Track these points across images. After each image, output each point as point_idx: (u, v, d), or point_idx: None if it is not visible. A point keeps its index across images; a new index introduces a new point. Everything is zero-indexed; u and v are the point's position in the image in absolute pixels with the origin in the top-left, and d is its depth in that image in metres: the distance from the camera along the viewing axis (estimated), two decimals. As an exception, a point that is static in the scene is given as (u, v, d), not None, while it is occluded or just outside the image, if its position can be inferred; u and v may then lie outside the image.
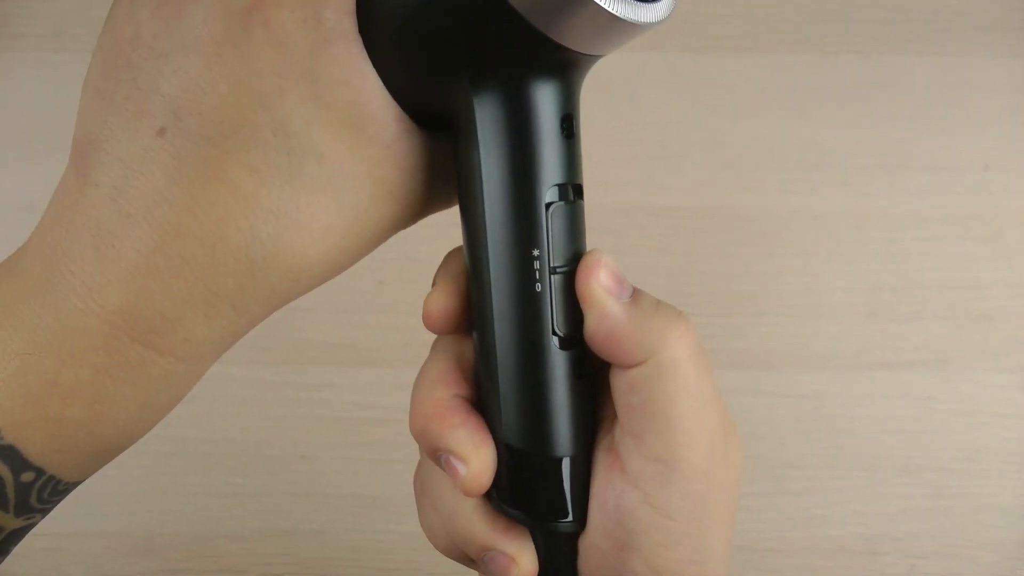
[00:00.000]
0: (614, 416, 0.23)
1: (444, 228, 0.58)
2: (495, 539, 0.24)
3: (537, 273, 0.22)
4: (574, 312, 0.22)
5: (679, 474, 0.21)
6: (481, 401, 0.24)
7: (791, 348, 0.57)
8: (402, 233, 0.66)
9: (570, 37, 0.19)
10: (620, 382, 0.22)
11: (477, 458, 0.23)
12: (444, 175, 0.24)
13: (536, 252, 0.22)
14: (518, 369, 0.22)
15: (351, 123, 0.20)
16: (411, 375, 0.61)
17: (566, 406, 0.23)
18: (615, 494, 0.22)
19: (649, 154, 0.58)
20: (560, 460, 0.23)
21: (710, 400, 0.22)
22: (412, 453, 0.56)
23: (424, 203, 0.24)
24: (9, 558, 0.30)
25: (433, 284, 0.25)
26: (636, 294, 0.22)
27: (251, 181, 0.20)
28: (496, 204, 0.21)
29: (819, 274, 0.58)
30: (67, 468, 0.23)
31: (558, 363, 0.22)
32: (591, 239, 0.24)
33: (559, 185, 0.22)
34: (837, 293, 0.58)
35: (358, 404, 0.56)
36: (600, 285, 0.22)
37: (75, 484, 0.24)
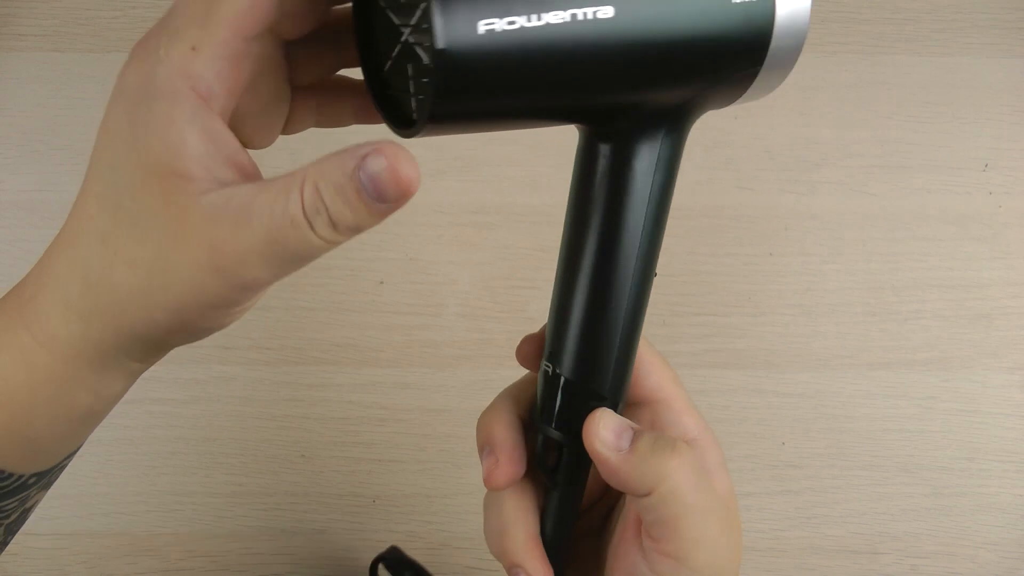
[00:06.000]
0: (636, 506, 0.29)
1: (445, 228, 0.58)
2: (525, 559, 0.29)
3: (655, 266, 0.28)
4: None
5: (687, 568, 0.27)
6: (552, 347, 0.29)
7: (791, 348, 0.57)
8: (402, 233, 0.66)
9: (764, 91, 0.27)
10: (637, 503, 0.28)
11: (504, 458, 0.29)
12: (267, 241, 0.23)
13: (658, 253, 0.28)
14: (623, 332, 0.28)
15: (158, 171, 0.22)
16: (411, 375, 0.61)
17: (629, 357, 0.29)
18: (634, 568, 0.28)
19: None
20: (602, 398, 0.29)
21: (711, 511, 0.27)
22: (411, 453, 0.56)
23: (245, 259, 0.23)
24: (9, 558, 0.30)
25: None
26: (636, 439, 0.27)
27: (94, 206, 0.24)
28: (658, 218, 0.27)
29: (819, 274, 0.58)
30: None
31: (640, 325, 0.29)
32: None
33: None
34: (837, 293, 0.58)
35: (358, 404, 0.56)
36: (601, 444, 0.27)
37: (22, 475, 0.26)
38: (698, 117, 0.27)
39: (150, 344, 0.25)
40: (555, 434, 0.29)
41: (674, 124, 0.27)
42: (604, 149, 0.26)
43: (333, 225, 0.21)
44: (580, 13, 0.20)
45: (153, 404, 0.55)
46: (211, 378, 0.56)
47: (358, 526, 0.55)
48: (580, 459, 0.29)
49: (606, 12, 0.21)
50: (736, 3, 0.23)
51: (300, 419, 0.56)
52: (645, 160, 0.26)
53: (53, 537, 0.54)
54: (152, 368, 0.52)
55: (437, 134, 0.23)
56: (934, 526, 0.56)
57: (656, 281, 0.29)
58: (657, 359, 0.31)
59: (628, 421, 0.28)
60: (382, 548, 0.55)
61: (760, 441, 0.57)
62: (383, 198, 0.21)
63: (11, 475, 0.26)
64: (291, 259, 0.22)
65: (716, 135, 0.59)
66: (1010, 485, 0.56)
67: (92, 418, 0.27)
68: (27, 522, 0.31)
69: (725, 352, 0.57)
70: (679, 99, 0.26)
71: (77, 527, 0.54)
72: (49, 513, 0.54)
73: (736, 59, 0.24)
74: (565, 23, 0.20)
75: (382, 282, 0.57)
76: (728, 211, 0.59)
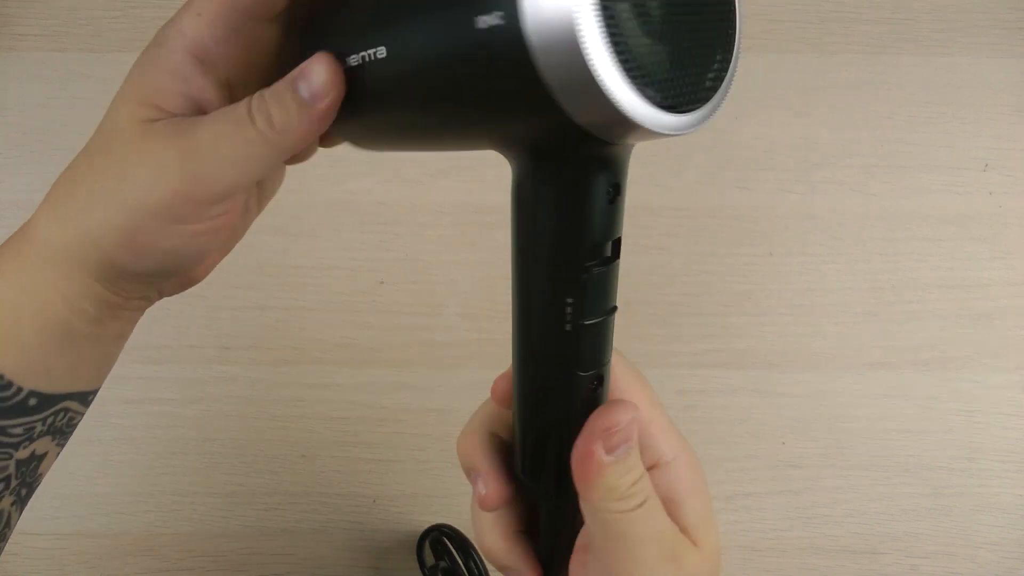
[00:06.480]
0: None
1: (446, 228, 0.58)
2: (512, 560, 0.31)
3: (569, 316, 0.25)
4: (596, 350, 0.26)
5: None
6: (515, 417, 0.29)
7: (791, 348, 0.57)
8: (403, 234, 0.66)
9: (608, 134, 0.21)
10: (585, 511, 0.27)
11: (492, 483, 0.29)
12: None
13: (570, 300, 0.25)
14: (545, 397, 0.27)
15: (135, 98, 0.26)
16: (411, 375, 0.61)
17: (575, 427, 0.27)
18: None
19: (649, 154, 0.58)
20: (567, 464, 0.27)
21: (645, 540, 0.27)
22: (411, 452, 0.56)
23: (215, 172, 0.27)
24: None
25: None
26: (624, 454, 0.26)
27: None
28: (544, 259, 0.25)
29: (819, 274, 0.58)
30: None
31: (579, 384, 0.26)
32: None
33: (610, 242, 0.25)
34: (837, 293, 0.58)
35: (358, 404, 0.56)
36: (601, 449, 0.26)
37: (21, 388, 0.28)
38: (571, 160, 0.23)
39: (104, 256, 0.26)
40: (530, 484, 0.29)
41: (540, 162, 0.24)
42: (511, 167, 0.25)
43: (270, 123, 0.25)
44: (367, 55, 0.23)
45: (153, 404, 0.55)
46: (211, 378, 0.56)
47: (358, 526, 0.55)
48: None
49: (381, 52, 0.23)
50: (480, 29, 0.19)
51: (300, 419, 0.56)
52: (528, 189, 0.24)
53: (53, 537, 0.54)
54: (152, 368, 0.53)
55: (360, 147, 0.28)
56: (934, 526, 0.56)
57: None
58: (633, 379, 0.29)
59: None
60: (382, 548, 0.55)
61: (760, 441, 0.57)
62: (313, 99, 0.24)
63: (11, 383, 0.27)
64: (231, 157, 0.25)
65: (716, 135, 0.59)
66: (1010, 485, 0.56)
67: (69, 338, 0.28)
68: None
69: (725, 352, 0.57)
70: (505, 137, 0.23)
71: (77, 527, 0.54)
72: (49, 513, 0.54)
73: (507, 94, 0.20)
74: (360, 65, 0.24)
75: (382, 282, 0.57)
76: (728, 211, 0.59)
